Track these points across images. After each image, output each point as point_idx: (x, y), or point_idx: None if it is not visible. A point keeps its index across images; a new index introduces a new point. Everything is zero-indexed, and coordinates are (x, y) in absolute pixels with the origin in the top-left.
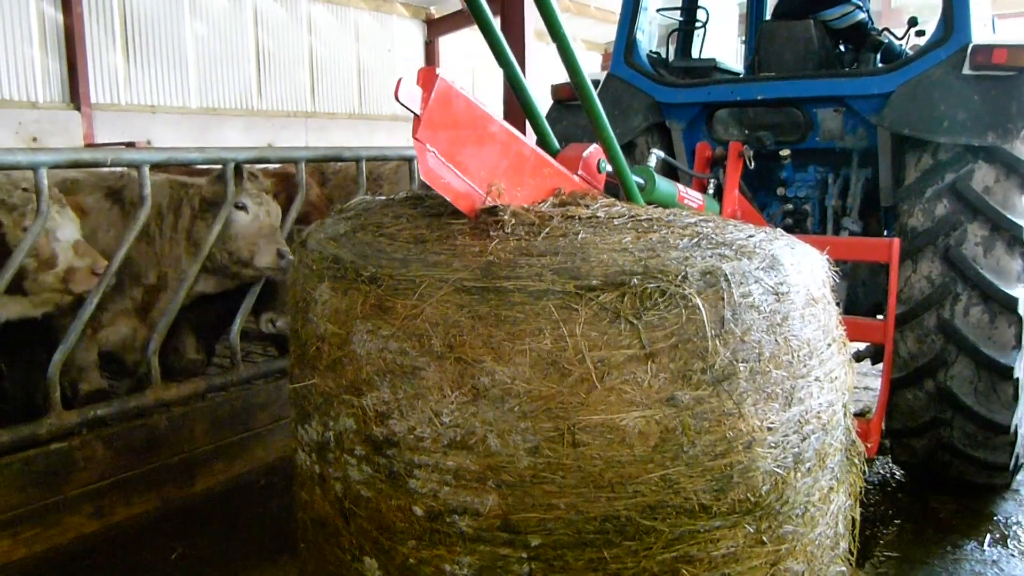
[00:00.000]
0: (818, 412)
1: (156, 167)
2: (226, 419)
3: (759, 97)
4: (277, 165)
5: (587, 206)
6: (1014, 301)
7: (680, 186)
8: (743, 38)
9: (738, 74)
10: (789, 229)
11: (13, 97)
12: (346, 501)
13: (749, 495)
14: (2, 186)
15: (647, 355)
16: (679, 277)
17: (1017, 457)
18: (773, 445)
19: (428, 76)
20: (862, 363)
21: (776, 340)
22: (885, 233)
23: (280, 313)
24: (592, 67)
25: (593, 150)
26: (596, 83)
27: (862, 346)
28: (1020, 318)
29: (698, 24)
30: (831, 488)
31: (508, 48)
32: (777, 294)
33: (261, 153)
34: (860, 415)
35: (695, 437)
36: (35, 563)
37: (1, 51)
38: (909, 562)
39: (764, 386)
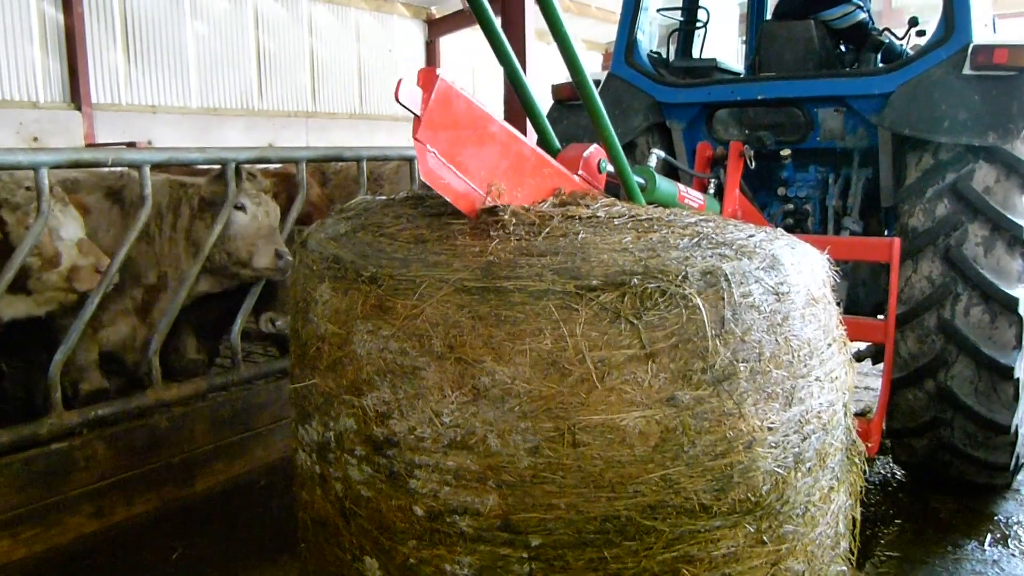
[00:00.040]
0: (818, 412)
1: (157, 167)
2: (227, 419)
3: (760, 97)
4: (278, 165)
5: (587, 206)
6: (1014, 301)
7: (681, 186)
8: (744, 38)
9: (739, 74)
10: (790, 229)
11: (14, 97)
12: (346, 501)
13: (749, 495)
14: (5, 185)
15: (647, 355)
16: (679, 277)
17: (1018, 457)
18: (773, 445)
19: (428, 77)
20: (863, 363)
21: (776, 340)
22: (886, 233)
23: (280, 313)
24: (593, 67)
25: (594, 150)
26: (597, 83)
27: (863, 346)
28: (1020, 318)
29: (699, 24)
30: (831, 488)
31: (509, 47)
32: (777, 294)
33: (262, 153)
34: (861, 415)
35: (695, 437)
36: (35, 563)
37: (2, 51)
38: (910, 562)
39: (764, 386)
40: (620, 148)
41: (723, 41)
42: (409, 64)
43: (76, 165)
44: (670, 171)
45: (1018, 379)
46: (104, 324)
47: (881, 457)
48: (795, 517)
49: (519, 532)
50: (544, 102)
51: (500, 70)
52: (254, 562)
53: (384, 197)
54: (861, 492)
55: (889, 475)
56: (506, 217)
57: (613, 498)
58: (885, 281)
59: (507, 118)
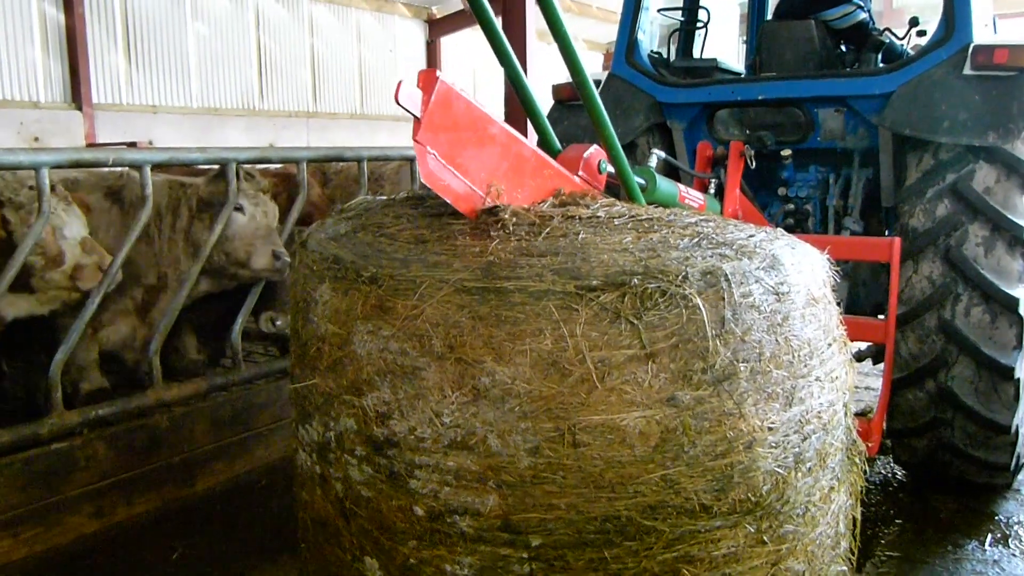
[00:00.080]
0: (819, 412)
1: (158, 167)
2: (227, 419)
3: (760, 97)
4: (279, 165)
5: (587, 206)
6: (1015, 301)
7: (681, 186)
8: (744, 38)
9: (739, 74)
10: (790, 229)
11: (15, 97)
12: (347, 501)
13: (750, 495)
14: (9, 184)
15: (647, 355)
16: (679, 277)
17: (1018, 457)
18: (774, 445)
19: (428, 78)
20: (863, 363)
21: (777, 340)
22: (886, 233)
23: (280, 312)
24: (594, 67)
25: (594, 151)
26: (597, 83)
27: (863, 346)
28: (1021, 318)
29: (699, 24)
30: (832, 488)
31: (510, 48)
32: (778, 294)
33: (263, 153)
34: (861, 415)
35: (696, 437)
36: (36, 563)
37: (3, 51)
38: (910, 562)
39: (765, 386)
40: (620, 148)
41: (724, 41)
42: (410, 64)
43: (77, 165)
44: (670, 171)
45: (1018, 379)
46: (104, 324)
47: (881, 457)
48: (795, 517)
49: (519, 532)
50: (545, 102)
51: (501, 70)
52: (254, 562)
53: (385, 197)
54: (861, 492)
55: (889, 475)
56: (506, 217)
57: (613, 498)
58: (885, 281)
59: (508, 118)
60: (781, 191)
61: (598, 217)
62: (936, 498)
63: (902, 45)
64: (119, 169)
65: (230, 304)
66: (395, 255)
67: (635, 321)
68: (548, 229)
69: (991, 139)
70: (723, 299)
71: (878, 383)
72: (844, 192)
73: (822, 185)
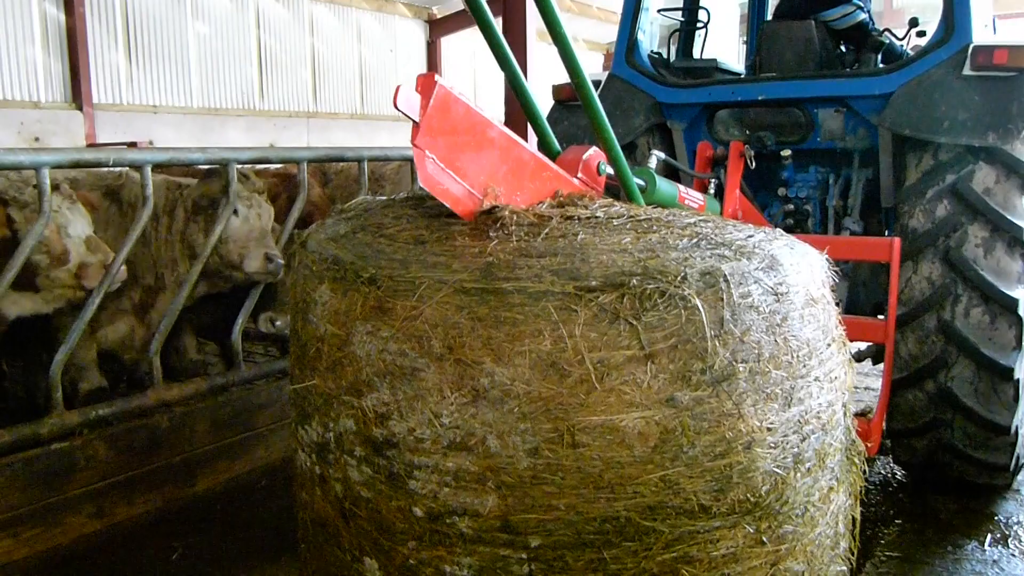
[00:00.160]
0: (818, 412)
1: (158, 167)
2: (227, 419)
3: (760, 97)
4: (279, 165)
5: (586, 207)
6: (1014, 302)
7: (681, 187)
8: (744, 38)
9: (739, 74)
10: (790, 229)
11: (15, 97)
12: (346, 502)
13: (749, 495)
14: (13, 183)
15: (646, 356)
16: (678, 278)
17: (1018, 457)
18: (773, 445)
19: (427, 83)
20: (863, 363)
21: (775, 340)
22: (886, 233)
23: (280, 313)
24: (594, 67)
25: (592, 152)
26: (597, 83)
27: (863, 346)
28: (1020, 319)
29: (699, 24)
30: (831, 488)
31: (509, 50)
32: (776, 294)
33: (263, 153)
34: (861, 415)
35: (695, 438)
36: (36, 563)
37: (3, 51)
38: (910, 562)
39: (763, 386)
40: (619, 150)
41: (724, 41)
42: (410, 64)
43: (78, 165)
44: (670, 172)
45: (1018, 380)
46: (102, 323)
47: (881, 457)
48: (794, 517)
49: (518, 533)
50: (546, 103)
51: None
52: (254, 562)
53: (384, 198)
54: (861, 492)
55: (889, 475)
56: (505, 216)
57: (612, 499)
58: (885, 281)
59: (508, 120)
60: (781, 191)
61: (597, 218)
62: (936, 498)
63: (902, 45)
64: (118, 169)
65: (230, 305)
66: (394, 256)
67: (634, 322)
68: (547, 230)
69: (991, 139)
70: (722, 300)
71: (878, 383)
72: (844, 192)
73: (822, 185)
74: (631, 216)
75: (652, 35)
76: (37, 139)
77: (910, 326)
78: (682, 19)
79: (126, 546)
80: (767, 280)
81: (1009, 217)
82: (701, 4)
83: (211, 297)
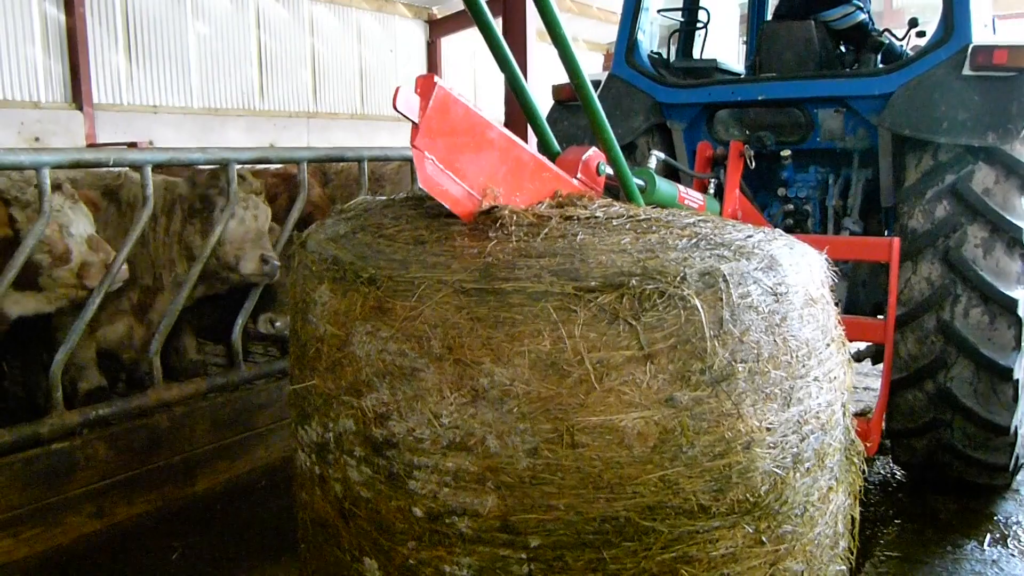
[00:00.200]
0: (817, 412)
1: (159, 167)
2: (227, 419)
3: (760, 97)
4: (279, 165)
5: (585, 207)
6: (1014, 303)
7: (681, 187)
8: (744, 39)
9: (739, 74)
10: (790, 229)
11: (15, 97)
12: (346, 502)
13: (748, 495)
14: (15, 183)
15: (646, 356)
16: (678, 278)
17: (1017, 458)
18: (772, 445)
19: (426, 84)
20: (862, 363)
21: (775, 340)
22: (886, 233)
23: (280, 314)
24: (594, 68)
25: (592, 153)
26: (597, 84)
27: (863, 346)
28: (1020, 319)
29: (699, 25)
30: (830, 488)
31: (509, 51)
32: (776, 294)
33: (263, 153)
34: (860, 415)
35: (694, 438)
36: (36, 563)
37: (3, 51)
38: (909, 562)
39: (763, 386)
40: (619, 150)
41: (724, 42)
42: (410, 65)
43: (78, 165)
44: (670, 172)
45: (1017, 380)
46: (102, 323)
47: (881, 457)
48: (794, 517)
49: (518, 533)
50: (546, 103)
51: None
52: (254, 562)
53: (384, 198)
54: (861, 492)
55: (889, 475)
56: (504, 216)
57: (612, 499)
58: (884, 281)
59: (508, 120)
60: (781, 191)
61: (596, 218)
62: (935, 498)
63: (902, 46)
64: (117, 169)
65: (230, 305)
66: (394, 256)
67: (633, 322)
68: (546, 230)
69: (990, 140)
70: (721, 300)
71: (877, 383)
72: (844, 192)
73: (822, 185)
74: (630, 216)
75: (652, 35)
76: (37, 139)
77: (909, 326)
78: (682, 19)
79: (126, 546)
80: (766, 280)
81: (1008, 217)
82: (701, 4)
83: (210, 298)
